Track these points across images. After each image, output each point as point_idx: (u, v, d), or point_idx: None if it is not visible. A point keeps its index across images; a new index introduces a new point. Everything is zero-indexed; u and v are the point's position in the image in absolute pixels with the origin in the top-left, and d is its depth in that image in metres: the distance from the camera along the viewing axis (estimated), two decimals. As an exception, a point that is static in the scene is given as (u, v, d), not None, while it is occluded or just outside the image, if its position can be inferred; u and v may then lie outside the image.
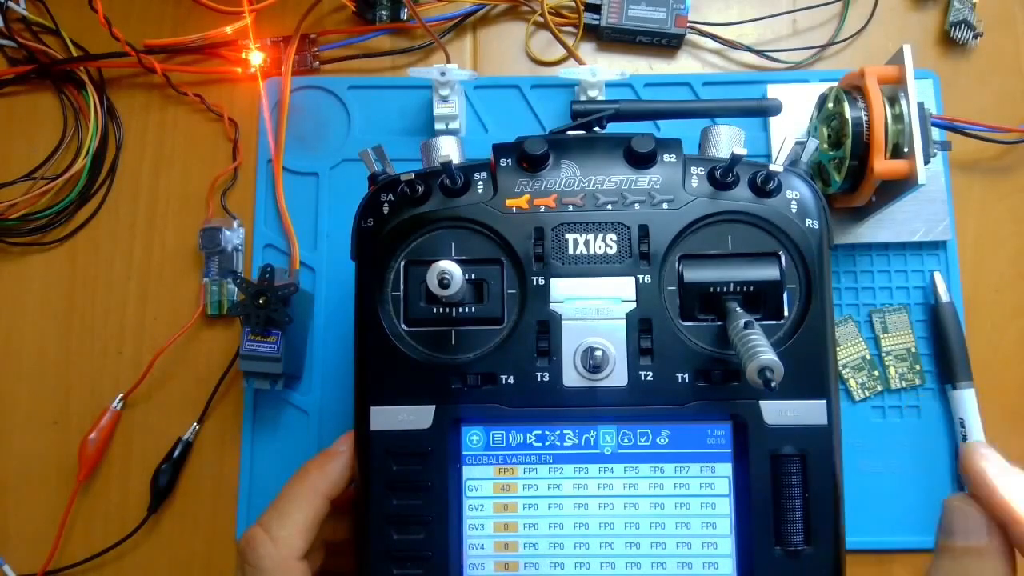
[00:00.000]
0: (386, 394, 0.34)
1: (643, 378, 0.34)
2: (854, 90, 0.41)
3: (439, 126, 0.46)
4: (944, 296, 0.44)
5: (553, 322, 0.34)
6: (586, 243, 0.35)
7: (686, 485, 0.34)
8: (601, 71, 0.44)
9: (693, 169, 0.35)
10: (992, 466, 0.30)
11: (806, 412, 0.33)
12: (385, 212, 0.36)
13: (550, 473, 0.34)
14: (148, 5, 0.50)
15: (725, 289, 0.34)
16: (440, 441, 0.34)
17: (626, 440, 0.34)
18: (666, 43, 0.48)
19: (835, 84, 0.43)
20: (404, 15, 0.48)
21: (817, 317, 0.34)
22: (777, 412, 0.33)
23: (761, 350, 0.29)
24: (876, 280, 0.45)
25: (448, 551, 0.34)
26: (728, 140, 0.37)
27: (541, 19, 0.48)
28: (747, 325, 0.31)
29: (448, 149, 0.37)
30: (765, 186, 0.35)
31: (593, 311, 0.34)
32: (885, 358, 0.44)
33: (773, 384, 0.29)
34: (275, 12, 0.47)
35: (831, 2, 0.48)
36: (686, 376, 0.34)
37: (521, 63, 0.49)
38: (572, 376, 0.34)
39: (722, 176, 0.35)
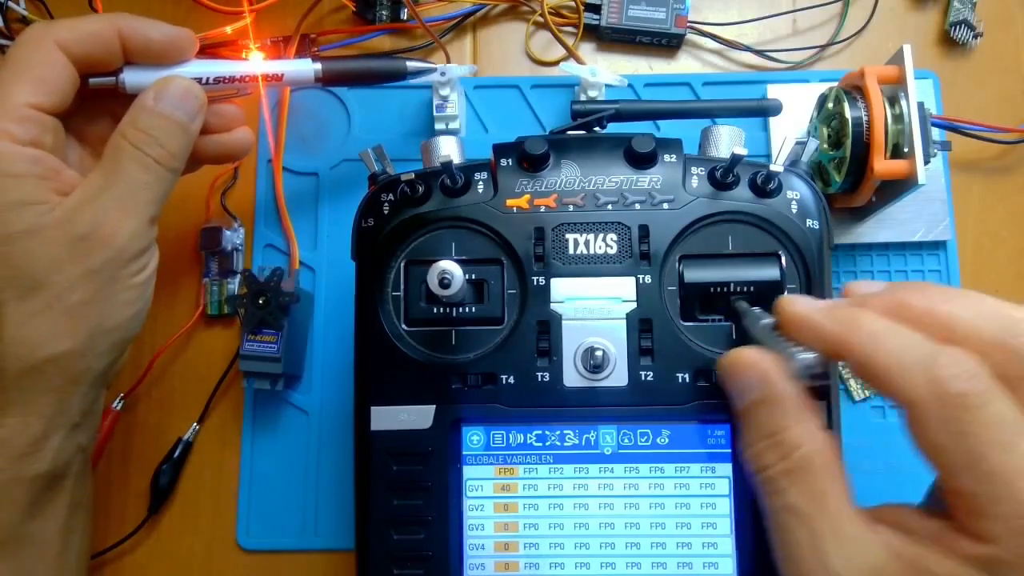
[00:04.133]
0: (386, 394, 0.34)
1: (643, 378, 0.34)
2: (854, 90, 0.41)
3: (439, 126, 0.46)
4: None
5: (553, 322, 0.34)
6: (586, 243, 0.35)
7: (686, 485, 0.34)
8: (601, 72, 0.44)
9: (693, 169, 0.35)
10: (801, 304, 0.30)
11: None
12: (385, 212, 0.36)
13: (550, 473, 0.34)
14: (148, 5, 0.50)
15: (726, 289, 0.34)
16: (440, 441, 0.34)
17: (626, 440, 0.34)
18: (666, 43, 0.48)
19: (835, 84, 0.43)
20: (404, 15, 0.48)
21: (817, 317, 0.34)
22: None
23: (797, 351, 0.29)
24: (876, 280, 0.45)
25: (448, 551, 0.34)
26: (728, 140, 0.37)
27: (541, 19, 0.48)
28: (776, 326, 0.31)
29: (448, 149, 0.37)
30: (765, 186, 0.35)
31: (593, 311, 0.34)
32: (885, 358, 0.44)
33: (816, 383, 0.29)
34: (275, 12, 0.47)
35: (831, 2, 0.48)
36: (686, 376, 0.34)
37: (521, 63, 0.49)
38: (572, 376, 0.34)
39: (722, 176, 0.35)
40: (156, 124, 0.34)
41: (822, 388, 0.30)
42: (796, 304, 0.30)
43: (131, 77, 0.36)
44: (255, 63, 0.39)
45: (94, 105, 0.37)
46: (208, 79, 0.37)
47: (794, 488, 0.27)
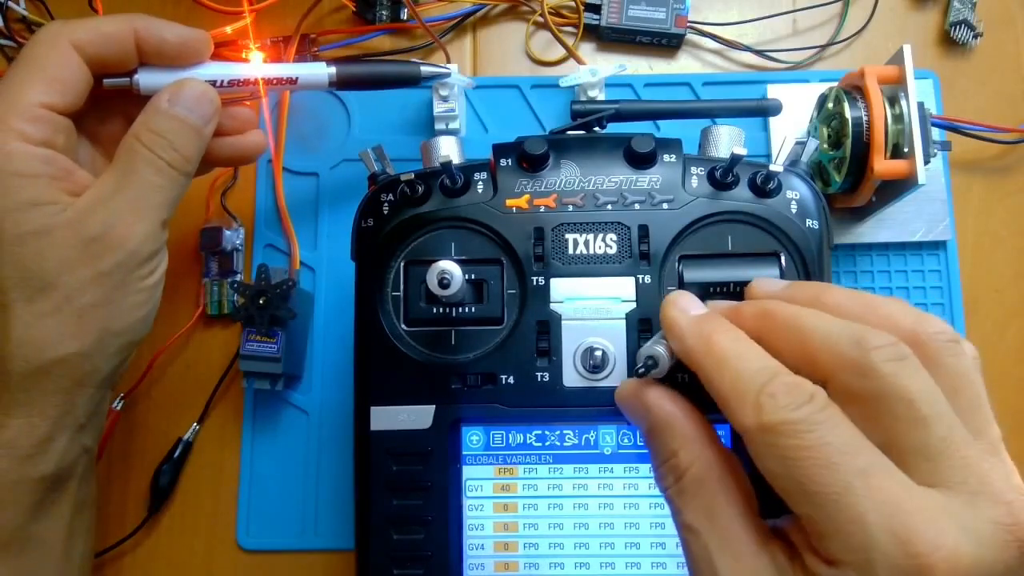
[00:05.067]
0: (386, 394, 0.34)
1: (643, 378, 0.34)
2: (854, 90, 0.41)
3: (439, 126, 0.46)
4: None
5: (553, 322, 0.34)
6: (586, 243, 0.35)
7: (686, 485, 0.34)
8: (601, 70, 0.44)
9: (693, 169, 0.35)
10: (678, 308, 0.30)
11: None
12: (385, 212, 0.36)
13: (550, 473, 0.34)
14: (148, 5, 0.50)
15: (726, 289, 0.34)
16: (440, 441, 0.34)
17: (626, 440, 0.34)
18: (666, 43, 0.48)
19: (835, 84, 0.43)
20: (404, 15, 0.48)
21: (817, 317, 0.34)
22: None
23: (655, 341, 0.30)
24: (876, 280, 0.45)
25: (448, 551, 0.34)
26: (728, 140, 0.37)
27: (541, 19, 0.48)
28: None
29: (448, 149, 0.37)
30: (765, 186, 0.35)
31: (593, 311, 0.34)
32: (885, 358, 0.44)
33: (653, 375, 0.29)
34: (275, 12, 0.47)
35: (831, 2, 0.48)
36: (686, 376, 0.33)
37: (521, 63, 0.49)
38: (572, 376, 0.34)
39: (722, 176, 0.35)
40: (170, 127, 0.34)
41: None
42: (673, 307, 0.30)
43: (145, 79, 0.36)
44: (270, 67, 0.39)
45: (107, 106, 0.37)
46: (222, 82, 0.37)
47: (687, 508, 0.27)
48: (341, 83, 0.40)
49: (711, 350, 0.27)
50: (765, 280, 0.32)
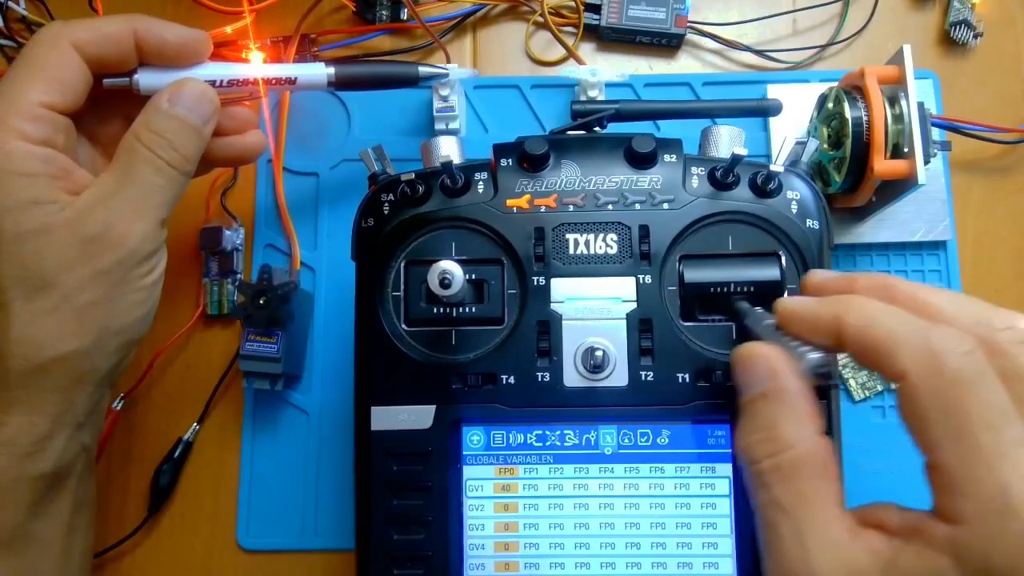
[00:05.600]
0: (386, 394, 0.34)
1: (644, 378, 0.34)
2: (854, 90, 0.41)
3: (439, 126, 0.46)
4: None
5: (554, 322, 0.34)
6: (587, 243, 0.35)
7: (686, 485, 0.34)
8: (601, 71, 0.44)
9: (693, 169, 0.35)
10: (797, 299, 0.30)
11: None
12: (385, 212, 0.36)
13: (550, 473, 0.34)
14: (148, 5, 0.50)
15: (726, 289, 0.34)
16: (440, 441, 0.34)
17: (626, 440, 0.34)
18: (666, 43, 0.48)
19: (835, 84, 0.43)
20: (404, 15, 0.48)
21: (817, 317, 0.34)
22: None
23: (805, 350, 0.29)
24: (876, 280, 0.45)
25: (448, 551, 0.34)
26: (728, 140, 0.37)
27: (541, 19, 0.48)
28: (778, 326, 0.31)
29: (448, 149, 0.37)
30: (765, 186, 0.35)
31: (594, 311, 0.34)
32: (885, 358, 0.44)
33: (823, 383, 0.29)
34: (275, 12, 0.47)
35: (831, 2, 0.48)
36: (686, 376, 0.34)
37: (521, 63, 0.49)
38: (573, 376, 0.34)
39: (722, 176, 0.35)
40: (170, 126, 0.34)
41: (824, 387, 0.30)
42: (792, 299, 0.30)
43: (145, 79, 0.36)
44: (269, 67, 0.39)
45: (106, 105, 0.37)
46: (222, 82, 0.37)
47: (781, 485, 0.27)
48: (340, 83, 0.40)
49: (854, 309, 0.27)
50: (818, 272, 0.32)
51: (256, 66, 0.38)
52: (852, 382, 0.44)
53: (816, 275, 0.32)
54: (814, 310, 0.29)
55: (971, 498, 0.24)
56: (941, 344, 0.25)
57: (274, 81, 0.38)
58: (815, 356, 0.29)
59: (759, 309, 0.33)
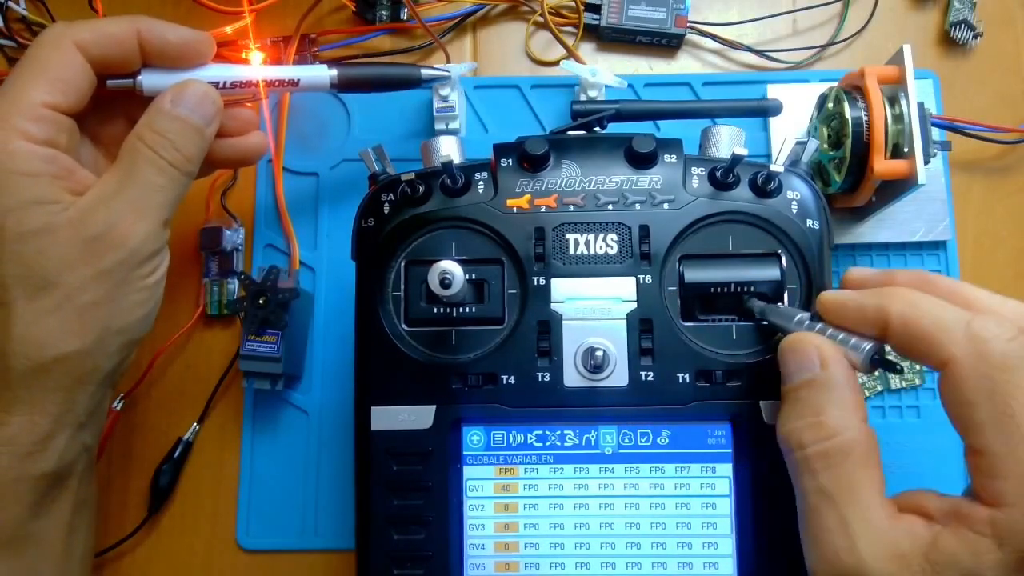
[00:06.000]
0: (387, 394, 0.34)
1: (644, 378, 0.34)
2: (854, 90, 0.41)
3: (439, 126, 0.46)
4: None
5: (554, 322, 0.34)
6: (587, 243, 0.35)
7: (687, 485, 0.34)
8: (601, 72, 0.44)
9: (694, 169, 0.35)
10: (838, 291, 0.31)
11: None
12: (385, 212, 0.36)
13: (551, 473, 0.34)
14: (148, 5, 0.50)
15: (726, 289, 0.34)
16: (441, 441, 0.34)
17: (627, 440, 0.34)
18: (666, 43, 0.48)
19: (835, 84, 0.43)
20: (404, 15, 0.48)
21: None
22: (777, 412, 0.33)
23: (856, 341, 0.29)
24: (876, 280, 0.45)
25: (449, 551, 0.34)
26: (728, 140, 0.37)
27: (541, 19, 0.48)
28: (813, 318, 0.31)
29: (448, 149, 0.37)
30: (766, 186, 0.35)
31: (594, 311, 0.34)
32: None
33: (884, 368, 0.30)
34: (275, 12, 0.47)
35: (831, 2, 0.48)
36: (687, 376, 0.34)
37: (521, 63, 0.49)
38: (573, 376, 0.34)
39: (723, 176, 0.35)
40: (173, 127, 0.34)
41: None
42: (835, 292, 0.31)
43: (148, 80, 0.36)
44: (272, 69, 0.39)
45: (109, 106, 0.37)
46: (225, 83, 0.37)
47: (828, 472, 0.28)
48: (342, 85, 0.40)
49: (899, 298, 0.28)
50: (858, 268, 0.33)
51: (259, 68, 0.38)
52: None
53: (857, 271, 0.33)
54: (859, 301, 0.30)
55: (1013, 479, 0.25)
56: (985, 331, 0.26)
57: (277, 83, 0.38)
58: (869, 345, 0.29)
59: (781, 305, 0.33)
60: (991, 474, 0.25)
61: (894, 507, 0.27)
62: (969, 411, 0.26)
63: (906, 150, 0.39)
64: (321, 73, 0.39)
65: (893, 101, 0.40)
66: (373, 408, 0.34)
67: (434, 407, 0.34)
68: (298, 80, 0.39)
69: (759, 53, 0.48)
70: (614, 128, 0.40)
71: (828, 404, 0.29)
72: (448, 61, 0.46)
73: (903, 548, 0.26)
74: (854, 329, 0.30)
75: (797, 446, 0.29)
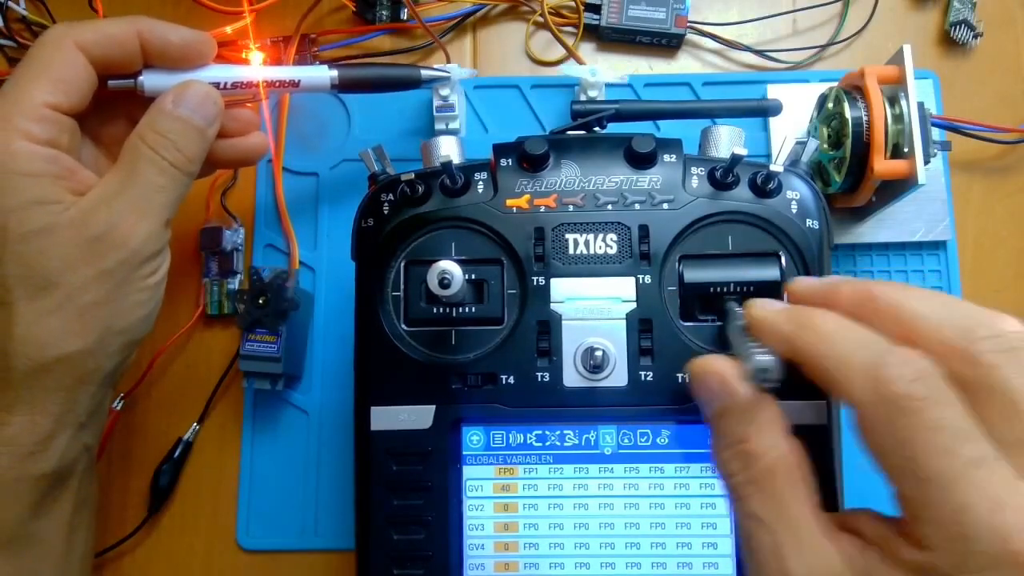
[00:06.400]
0: (386, 394, 0.34)
1: (643, 378, 0.34)
2: (854, 90, 0.41)
3: (439, 126, 0.46)
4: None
5: (553, 322, 0.34)
6: (586, 243, 0.35)
7: (686, 485, 0.34)
8: (601, 71, 0.44)
9: (693, 169, 0.35)
10: (767, 305, 0.30)
11: (806, 412, 0.33)
12: (385, 212, 0.36)
13: (550, 473, 0.34)
14: (148, 5, 0.50)
15: (725, 289, 0.34)
16: (440, 441, 0.34)
17: (626, 440, 0.34)
18: (666, 43, 0.48)
19: (835, 84, 0.43)
20: (404, 15, 0.48)
21: (817, 317, 0.34)
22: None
23: (756, 352, 0.29)
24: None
25: (448, 551, 0.34)
26: (728, 140, 0.37)
27: (541, 19, 0.48)
28: (746, 328, 0.31)
29: (448, 149, 0.37)
30: (765, 186, 0.35)
31: (593, 311, 0.34)
32: (885, 358, 0.44)
33: (768, 386, 0.28)
34: (275, 12, 0.47)
35: (831, 2, 0.48)
36: (686, 376, 0.34)
37: (521, 63, 0.49)
38: (572, 376, 0.34)
39: (722, 176, 0.35)
40: (174, 128, 0.34)
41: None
42: (762, 305, 0.30)
43: (150, 80, 0.36)
44: (273, 70, 0.39)
45: (110, 106, 0.37)
46: (226, 84, 0.37)
47: (757, 496, 0.27)
48: (343, 86, 0.40)
49: (813, 329, 0.27)
50: (802, 279, 0.32)
51: (260, 68, 0.38)
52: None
53: (801, 282, 0.31)
54: (774, 322, 0.29)
55: (932, 524, 0.23)
56: (889, 371, 0.24)
57: (277, 83, 0.38)
58: (762, 359, 0.28)
59: (738, 310, 0.33)
60: (912, 517, 0.24)
61: (832, 523, 0.26)
62: (881, 456, 0.24)
63: (906, 150, 0.39)
64: (322, 74, 0.39)
65: (893, 101, 0.40)
66: (373, 408, 0.34)
67: (434, 407, 0.34)
68: (299, 81, 0.39)
69: (759, 53, 0.48)
70: (614, 128, 0.40)
71: (745, 429, 0.28)
72: (448, 61, 0.46)
73: (835, 570, 0.25)
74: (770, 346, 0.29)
75: (727, 475, 0.28)
